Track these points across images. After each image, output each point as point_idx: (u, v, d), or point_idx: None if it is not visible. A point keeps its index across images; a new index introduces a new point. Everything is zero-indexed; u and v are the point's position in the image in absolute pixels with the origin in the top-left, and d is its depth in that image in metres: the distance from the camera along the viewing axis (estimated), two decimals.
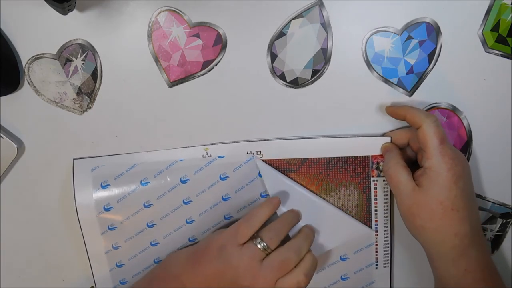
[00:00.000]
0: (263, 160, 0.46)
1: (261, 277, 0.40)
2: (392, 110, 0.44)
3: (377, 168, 0.46)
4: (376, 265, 0.48)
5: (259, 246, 0.40)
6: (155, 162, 0.46)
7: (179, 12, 0.43)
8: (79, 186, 0.45)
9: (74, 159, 0.46)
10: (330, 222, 0.47)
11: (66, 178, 0.46)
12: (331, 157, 0.46)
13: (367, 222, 0.47)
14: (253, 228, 0.41)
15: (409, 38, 0.44)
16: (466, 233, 0.39)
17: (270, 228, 0.42)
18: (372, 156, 0.46)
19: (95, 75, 0.44)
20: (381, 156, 0.45)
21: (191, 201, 0.46)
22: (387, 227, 0.47)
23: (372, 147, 0.45)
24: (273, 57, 0.44)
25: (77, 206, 0.45)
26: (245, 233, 0.41)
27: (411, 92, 0.45)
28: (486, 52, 0.44)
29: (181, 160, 0.46)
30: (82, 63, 0.44)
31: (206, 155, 0.46)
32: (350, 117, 0.45)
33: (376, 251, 0.48)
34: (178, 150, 0.46)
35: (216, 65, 0.44)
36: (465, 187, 0.39)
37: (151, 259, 0.47)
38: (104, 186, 0.45)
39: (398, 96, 0.45)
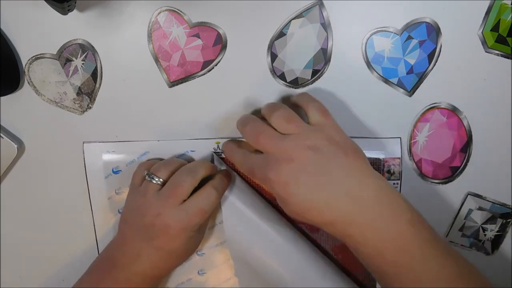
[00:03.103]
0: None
1: (159, 208, 0.39)
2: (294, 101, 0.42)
3: (388, 172, 0.46)
4: None
5: (148, 179, 0.41)
6: (166, 152, 0.46)
7: (179, 12, 0.43)
8: (90, 169, 0.46)
9: (84, 142, 0.46)
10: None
11: (66, 178, 0.46)
12: None
13: None
14: (142, 167, 0.43)
15: (409, 38, 0.44)
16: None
17: (158, 163, 0.43)
18: (383, 159, 0.45)
19: (95, 75, 0.44)
20: (392, 158, 0.45)
21: None
22: None
23: (383, 148, 0.45)
24: (273, 57, 0.44)
25: (89, 188, 0.46)
26: (137, 172, 0.43)
27: (411, 92, 0.45)
28: (486, 52, 0.44)
29: (192, 151, 0.46)
30: (82, 63, 0.44)
31: (218, 149, 0.46)
32: (350, 117, 0.45)
33: None
34: (189, 141, 0.46)
35: (216, 65, 0.44)
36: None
37: None
38: (116, 172, 0.46)
39: (398, 96, 0.45)
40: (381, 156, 0.46)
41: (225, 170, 0.44)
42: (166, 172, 0.41)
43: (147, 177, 0.41)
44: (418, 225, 0.36)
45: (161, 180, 0.41)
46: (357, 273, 0.49)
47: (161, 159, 0.45)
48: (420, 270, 0.35)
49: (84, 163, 0.46)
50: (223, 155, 0.45)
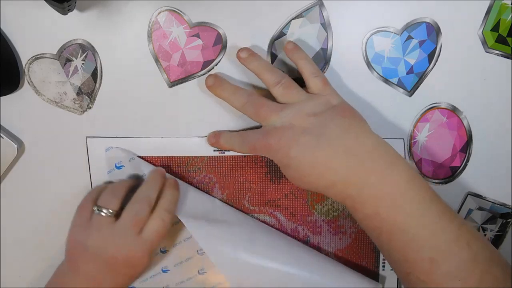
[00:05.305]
0: None
1: (120, 242, 0.39)
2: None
3: None
4: (383, 266, 0.48)
5: (97, 212, 0.40)
6: (169, 149, 0.46)
7: (179, 12, 0.43)
8: (93, 164, 0.46)
9: (87, 137, 0.46)
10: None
11: (66, 177, 0.46)
12: None
13: None
14: (89, 198, 0.41)
15: (409, 38, 0.44)
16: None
17: (105, 192, 0.41)
18: None
19: (95, 75, 0.44)
20: None
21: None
22: None
23: None
24: (273, 57, 0.44)
25: (92, 183, 0.46)
26: (83, 205, 0.41)
27: (411, 92, 0.45)
28: (486, 52, 0.44)
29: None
30: (82, 63, 0.44)
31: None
32: None
33: None
34: (192, 139, 0.46)
35: (216, 65, 0.44)
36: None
37: None
38: (118, 167, 0.46)
39: (398, 96, 0.45)
40: None
41: (172, 180, 0.43)
42: (116, 202, 0.40)
43: (96, 210, 0.40)
44: (415, 183, 0.36)
45: (112, 211, 0.40)
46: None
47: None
48: (414, 233, 0.35)
49: (88, 158, 0.46)
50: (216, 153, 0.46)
